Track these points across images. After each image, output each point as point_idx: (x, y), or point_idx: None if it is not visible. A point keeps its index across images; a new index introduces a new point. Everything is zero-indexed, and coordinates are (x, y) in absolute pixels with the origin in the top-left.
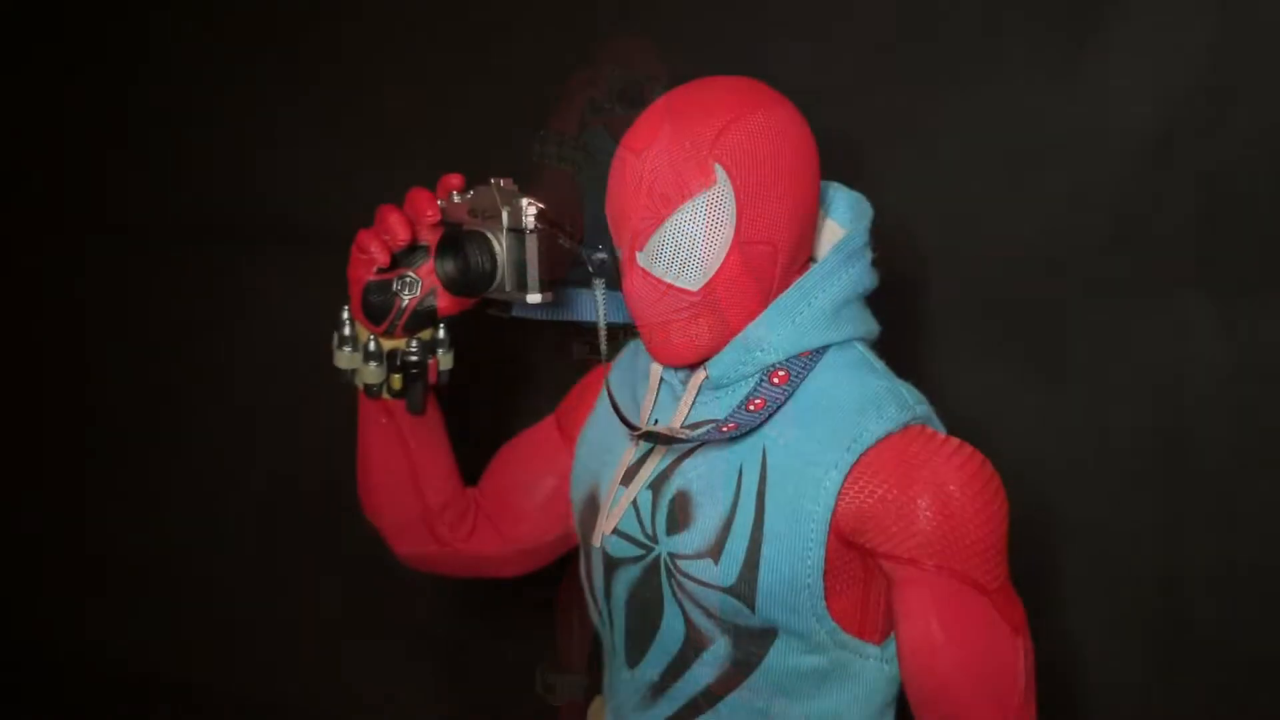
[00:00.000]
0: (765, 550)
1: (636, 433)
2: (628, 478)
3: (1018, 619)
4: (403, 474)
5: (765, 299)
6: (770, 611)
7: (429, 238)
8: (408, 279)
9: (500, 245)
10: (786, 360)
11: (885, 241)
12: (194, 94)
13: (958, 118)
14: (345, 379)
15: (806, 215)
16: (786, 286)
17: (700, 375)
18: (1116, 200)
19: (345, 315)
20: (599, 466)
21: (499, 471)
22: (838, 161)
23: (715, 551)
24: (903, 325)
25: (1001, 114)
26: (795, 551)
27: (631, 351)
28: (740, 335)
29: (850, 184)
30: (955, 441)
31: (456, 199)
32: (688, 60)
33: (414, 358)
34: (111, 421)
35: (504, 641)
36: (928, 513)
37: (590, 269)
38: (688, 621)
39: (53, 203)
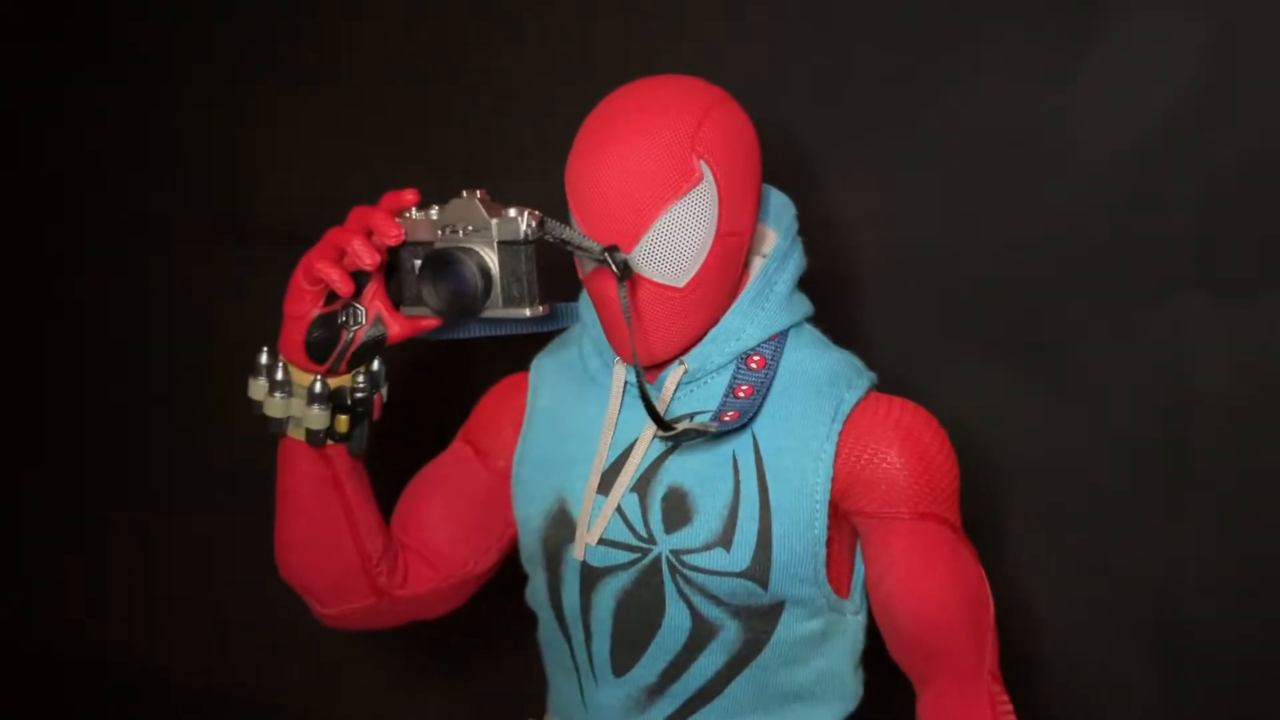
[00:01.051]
0: (775, 528)
1: (671, 432)
2: (604, 485)
3: (975, 552)
4: (340, 525)
5: (734, 289)
6: (781, 586)
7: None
8: (354, 309)
9: (493, 260)
10: (758, 345)
11: (885, 242)
12: (194, 94)
13: (956, 117)
14: (277, 429)
15: (758, 205)
16: (745, 276)
17: (679, 370)
18: (1116, 200)
19: (266, 359)
20: (561, 480)
21: (420, 504)
22: (839, 160)
23: (726, 539)
24: (902, 325)
25: (1000, 113)
26: (804, 522)
27: (554, 358)
28: (718, 327)
29: (849, 183)
30: (907, 400)
31: (415, 215)
32: (685, 59)
33: (362, 394)
34: (111, 421)
35: (504, 641)
36: (909, 467)
37: (615, 271)
38: (694, 615)
39: (53, 203)
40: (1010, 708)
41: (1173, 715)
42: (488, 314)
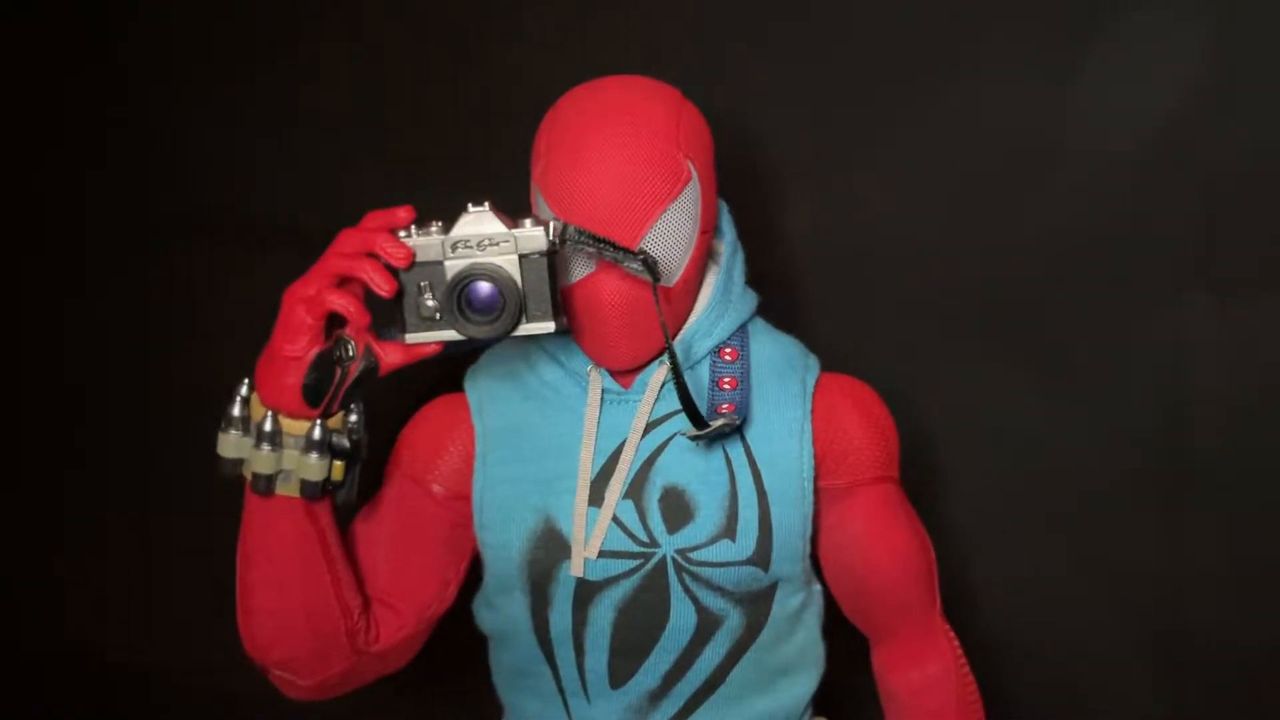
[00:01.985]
0: (774, 512)
1: (706, 430)
2: (594, 497)
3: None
4: (325, 586)
5: (703, 285)
6: (779, 566)
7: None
8: (345, 342)
9: (517, 274)
10: (729, 338)
11: (884, 242)
12: (194, 94)
13: (956, 116)
14: (263, 488)
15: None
16: (704, 271)
17: (662, 370)
18: (1116, 200)
19: (239, 410)
20: (542, 498)
21: (374, 550)
22: (839, 161)
23: (730, 530)
24: (901, 325)
25: (1001, 113)
26: (795, 502)
27: (493, 374)
28: (695, 323)
29: (848, 184)
30: (848, 375)
31: (414, 233)
32: (684, 59)
33: (357, 436)
34: (111, 421)
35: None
36: (868, 436)
37: (650, 274)
38: (699, 610)
39: (52, 202)
40: (954, 636)
41: (1171, 715)
42: (515, 332)
